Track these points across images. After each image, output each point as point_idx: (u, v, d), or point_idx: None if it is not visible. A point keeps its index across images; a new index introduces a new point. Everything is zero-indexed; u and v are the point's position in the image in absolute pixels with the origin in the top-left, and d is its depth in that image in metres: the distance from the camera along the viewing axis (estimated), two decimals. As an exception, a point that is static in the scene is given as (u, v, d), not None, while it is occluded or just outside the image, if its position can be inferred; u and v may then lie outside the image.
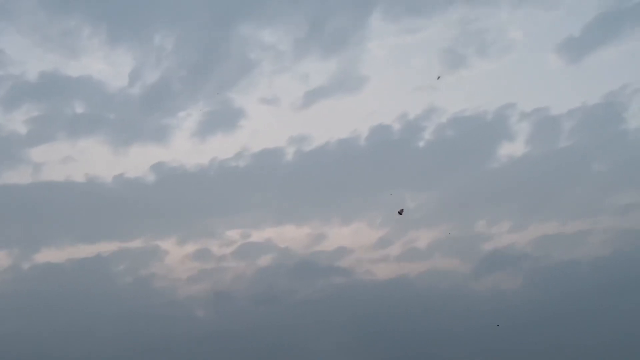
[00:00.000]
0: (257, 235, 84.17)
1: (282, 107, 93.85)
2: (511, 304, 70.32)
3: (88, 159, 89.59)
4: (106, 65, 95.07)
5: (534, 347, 64.80)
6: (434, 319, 69.93)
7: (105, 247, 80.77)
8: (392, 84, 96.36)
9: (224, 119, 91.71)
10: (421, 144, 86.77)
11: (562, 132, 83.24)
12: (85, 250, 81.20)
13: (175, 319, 74.38)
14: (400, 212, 63.08)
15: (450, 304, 71.26)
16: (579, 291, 68.73)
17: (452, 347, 66.83)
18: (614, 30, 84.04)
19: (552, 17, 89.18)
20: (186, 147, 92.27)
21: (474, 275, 75.26)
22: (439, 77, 71.11)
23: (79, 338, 71.35)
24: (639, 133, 78.89)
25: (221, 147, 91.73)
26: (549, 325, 66.18)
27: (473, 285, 74.66)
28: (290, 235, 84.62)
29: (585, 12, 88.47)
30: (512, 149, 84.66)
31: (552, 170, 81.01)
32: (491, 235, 78.16)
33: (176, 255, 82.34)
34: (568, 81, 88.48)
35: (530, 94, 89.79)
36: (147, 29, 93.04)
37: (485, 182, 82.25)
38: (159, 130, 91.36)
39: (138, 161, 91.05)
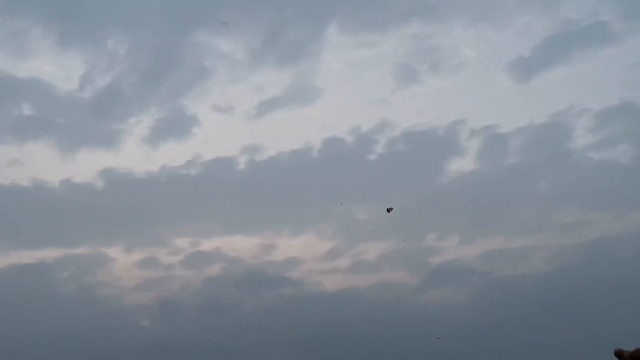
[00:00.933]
0: (207, 245, 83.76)
1: (236, 116, 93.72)
2: (456, 316, 71.30)
3: (35, 163, 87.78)
4: (56, 67, 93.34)
5: (474, 357, 66.14)
6: (380, 330, 70.11)
7: (50, 253, 79.02)
8: (346, 97, 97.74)
9: (176, 126, 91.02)
10: (373, 157, 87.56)
11: (509, 150, 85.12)
12: (28, 256, 79.66)
13: (120, 328, 73.17)
14: (389, 210, 63.94)
15: (398, 316, 71.80)
16: (521, 306, 68.92)
17: (397, 358, 67.02)
18: (562, 52, 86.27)
19: (504, 37, 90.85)
20: (136, 153, 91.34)
21: (422, 288, 76.23)
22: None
23: (19, 346, 69.15)
24: (583, 153, 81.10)
25: (172, 155, 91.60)
26: (490, 338, 67.17)
27: (420, 298, 75.69)
28: (240, 245, 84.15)
29: (535, 34, 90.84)
30: (462, 164, 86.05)
31: (499, 186, 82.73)
32: (440, 249, 79.06)
33: (123, 263, 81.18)
34: (517, 100, 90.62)
35: (481, 111, 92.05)
36: (100, 32, 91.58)
37: (435, 196, 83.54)
38: (108, 135, 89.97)
39: (86, 166, 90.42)
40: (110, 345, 70.48)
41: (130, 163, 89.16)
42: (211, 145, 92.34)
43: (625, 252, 71.76)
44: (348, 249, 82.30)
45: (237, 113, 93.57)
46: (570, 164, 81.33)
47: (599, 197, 76.90)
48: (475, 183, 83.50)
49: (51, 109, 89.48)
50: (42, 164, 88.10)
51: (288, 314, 74.55)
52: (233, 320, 74.82)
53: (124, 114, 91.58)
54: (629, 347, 7.47)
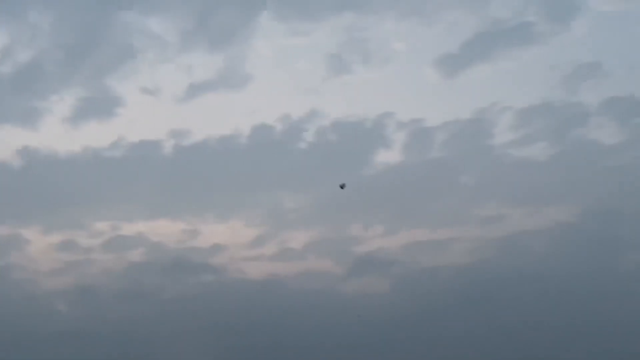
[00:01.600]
0: (128, 229, 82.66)
1: (164, 99, 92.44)
2: (378, 305, 72.76)
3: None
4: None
5: (393, 344, 68.36)
6: (303, 319, 71.41)
7: (-37, 234, 76.24)
8: (277, 84, 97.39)
9: (100, 106, 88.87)
10: (302, 145, 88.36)
11: (434, 143, 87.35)
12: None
13: (35, 314, 71.21)
14: (342, 187, 65.58)
15: (320, 305, 72.97)
16: (440, 296, 72.54)
17: (319, 345, 68.73)
18: (489, 50, 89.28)
19: (433, 32, 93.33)
20: (57, 132, 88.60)
21: (345, 277, 77.46)
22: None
23: None
24: (503, 149, 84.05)
25: (96, 135, 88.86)
26: (410, 326, 69.06)
27: (343, 287, 76.87)
28: (164, 230, 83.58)
29: (463, 31, 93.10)
30: (388, 156, 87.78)
31: (424, 179, 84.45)
32: (365, 239, 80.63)
33: (39, 245, 79.28)
34: (443, 95, 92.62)
35: (408, 104, 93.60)
36: (21, 4, 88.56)
37: (361, 187, 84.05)
38: (28, 112, 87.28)
39: (4, 144, 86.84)
40: (25, 330, 68.84)
41: (51, 142, 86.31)
42: (137, 127, 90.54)
43: (539, 246, 75.42)
44: (274, 237, 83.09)
45: (165, 95, 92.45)
46: (491, 159, 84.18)
47: (517, 193, 79.93)
48: (401, 175, 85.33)
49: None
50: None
51: (210, 301, 74.70)
52: (153, 307, 74.14)
53: (45, 90, 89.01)
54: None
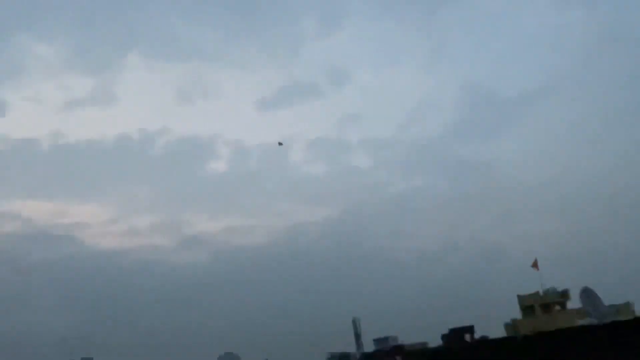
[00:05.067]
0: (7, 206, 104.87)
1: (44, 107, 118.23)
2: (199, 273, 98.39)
3: None
4: None
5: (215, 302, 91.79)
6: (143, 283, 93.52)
7: None
8: None
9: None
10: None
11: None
12: None
13: None
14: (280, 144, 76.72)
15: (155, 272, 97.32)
16: (247, 267, 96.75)
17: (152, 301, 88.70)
18: None
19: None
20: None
21: (177, 251, 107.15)
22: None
23: None
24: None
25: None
26: (225, 291, 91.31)
27: (174, 258, 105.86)
28: (37, 208, 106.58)
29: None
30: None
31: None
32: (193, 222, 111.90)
33: None
34: None
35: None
36: None
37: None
38: None
39: None
40: None
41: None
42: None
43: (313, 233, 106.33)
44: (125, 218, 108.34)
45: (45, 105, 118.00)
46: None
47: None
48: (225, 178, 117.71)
49: None
50: None
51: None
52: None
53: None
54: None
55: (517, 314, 40.94)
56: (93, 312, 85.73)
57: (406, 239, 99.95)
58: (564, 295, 40.26)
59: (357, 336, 55.21)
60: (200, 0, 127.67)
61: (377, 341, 54.09)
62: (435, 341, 46.17)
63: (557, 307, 40.44)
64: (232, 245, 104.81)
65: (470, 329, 44.15)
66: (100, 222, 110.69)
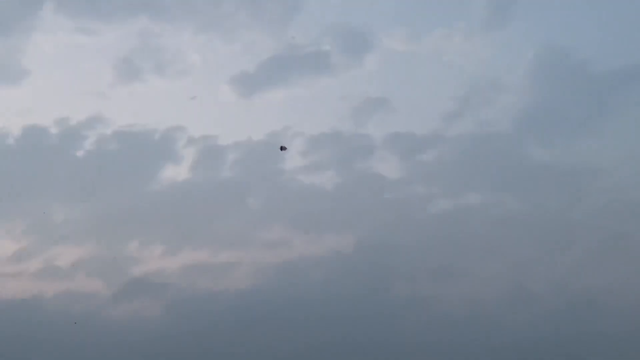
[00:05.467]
0: None
1: None
2: (149, 329, 72.43)
3: None
4: None
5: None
6: (61, 344, 69.03)
7: None
8: (57, 84, 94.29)
9: None
10: (80, 153, 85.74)
11: (225, 163, 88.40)
12: None
13: None
14: (282, 148, 69.00)
15: (83, 330, 70.84)
16: (218, 320, 72.98)
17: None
18: (284, 74, 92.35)
19: (231, 49, 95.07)
20: None
21: (114, 300, 76.00)
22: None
23: None
24: (293, 174, 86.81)
25: None
26: (184, 350, 69.57)
27: (111, 310, 75.33)
28: None
29: (260, 52, 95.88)
30: (176, 172, 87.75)
31: (211, 198, 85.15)
32: (141, 259, 79.48)
33: None
34: (238, 114, 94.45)
35: (201, 120, 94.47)
36: None
37: (143, 202, 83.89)
38: None
39: None
40: None
41: None
42: None
43: (319, 273, 78.68)
44: (39, 252, 78.68)
45: None
46: (281, 183, 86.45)
47: (301, 218, 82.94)
48: (187, 193, 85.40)
49: None
50: None
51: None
52: None
53: None
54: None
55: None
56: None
57: (457, 283, 76.20)
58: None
59: None
60: None
61: None
62: None
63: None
64: (199, 292, 77.73)
65: None
66: (3, 258, 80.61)
